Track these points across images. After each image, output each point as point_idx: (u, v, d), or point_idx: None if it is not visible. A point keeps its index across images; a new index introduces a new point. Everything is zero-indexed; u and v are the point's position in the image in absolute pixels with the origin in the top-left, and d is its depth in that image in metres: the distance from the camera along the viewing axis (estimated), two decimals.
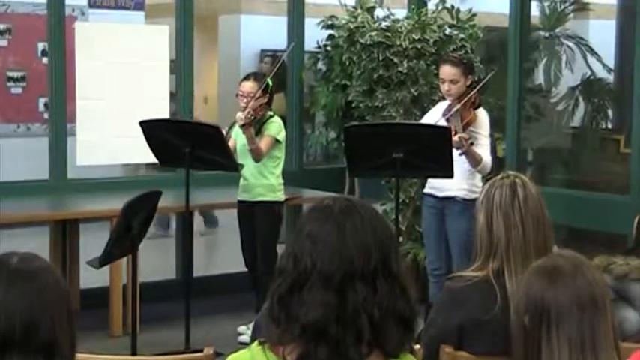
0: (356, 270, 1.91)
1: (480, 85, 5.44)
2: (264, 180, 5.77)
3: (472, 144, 5.21)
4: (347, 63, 6.88)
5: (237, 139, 5.77)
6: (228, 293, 6.74)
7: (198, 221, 8.87)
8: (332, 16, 7.17)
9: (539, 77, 10.56)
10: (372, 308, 1.90)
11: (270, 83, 5.78)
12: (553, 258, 2.36)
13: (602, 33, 11.05)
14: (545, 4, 10.59)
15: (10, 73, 10.00)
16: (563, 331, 2.16)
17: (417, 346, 2.86)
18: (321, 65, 7.39)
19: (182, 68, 6.94)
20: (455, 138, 5.10)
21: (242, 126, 5.49)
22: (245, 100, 5.64)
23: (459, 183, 5.38)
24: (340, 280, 1.90)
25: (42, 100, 9.67)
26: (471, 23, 6.89)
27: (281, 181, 5.85)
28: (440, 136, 5.03)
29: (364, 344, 1.90)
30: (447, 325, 2.90)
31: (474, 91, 5.37)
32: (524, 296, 2.27)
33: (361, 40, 6.68)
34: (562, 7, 10.69)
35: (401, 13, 7.18)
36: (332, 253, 1.92)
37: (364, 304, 1.90)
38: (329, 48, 7.20)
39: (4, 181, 6.70)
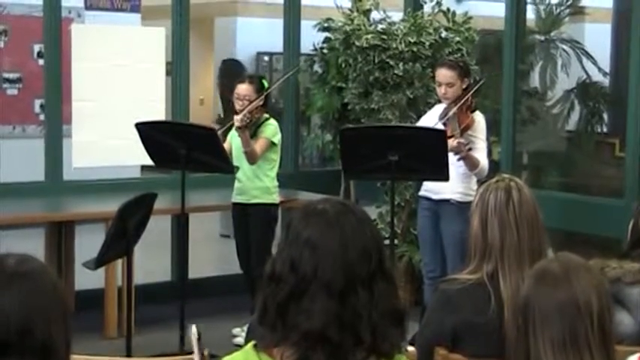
0: (357, 275, 1.88)
1: (474, 89, 5.44)
2: (259, 182, 5.78)
3: (470, 149, 5.18)
4: (343, 65, 6.87)
5: (233, 142, 5.77)
6: (223, 295, 6.75)
7: None
8: (328, 19, 7.17)
9: (535, 80, 10.58)
10: (372, 311, 1.88)
11: (266, 85, 5.79)
12: (548, 261, 2.38)
13: (597, 36, 11.09)
14: (541, 7, 10.63)
15: (6, 75, 10.00)
16: (547, 332, 2.19)
17: (411, 348, 2.87)
18: (317, 68, 7.38)
19: (178, 70, 6.93)
20: (453, 143, 5.08)
21: (238, 128, 5.50)
22: (241, 102, 5.65)
23: (455, 186, 5.37)
24: (342, 287, 1.87)
25: (37, 102, 9.66)
26: (467, 26, 6.89)
27: (276, 183, 5.85)
28: (435, 139, 5.02)
29: (362, 347, 1.87)
30: (440, 327, 2.91)
31: (469, 94, 5.36)
32: (520, 296, 2.32)
33: (357, 43, 6.68)
34: (558, 10, 10.73)
35: (397, 15, 7.17)
36: (334, 261, 1.87)
37: (365, 307, 1.87)
38: (325, 50, 7.19)
39: None
